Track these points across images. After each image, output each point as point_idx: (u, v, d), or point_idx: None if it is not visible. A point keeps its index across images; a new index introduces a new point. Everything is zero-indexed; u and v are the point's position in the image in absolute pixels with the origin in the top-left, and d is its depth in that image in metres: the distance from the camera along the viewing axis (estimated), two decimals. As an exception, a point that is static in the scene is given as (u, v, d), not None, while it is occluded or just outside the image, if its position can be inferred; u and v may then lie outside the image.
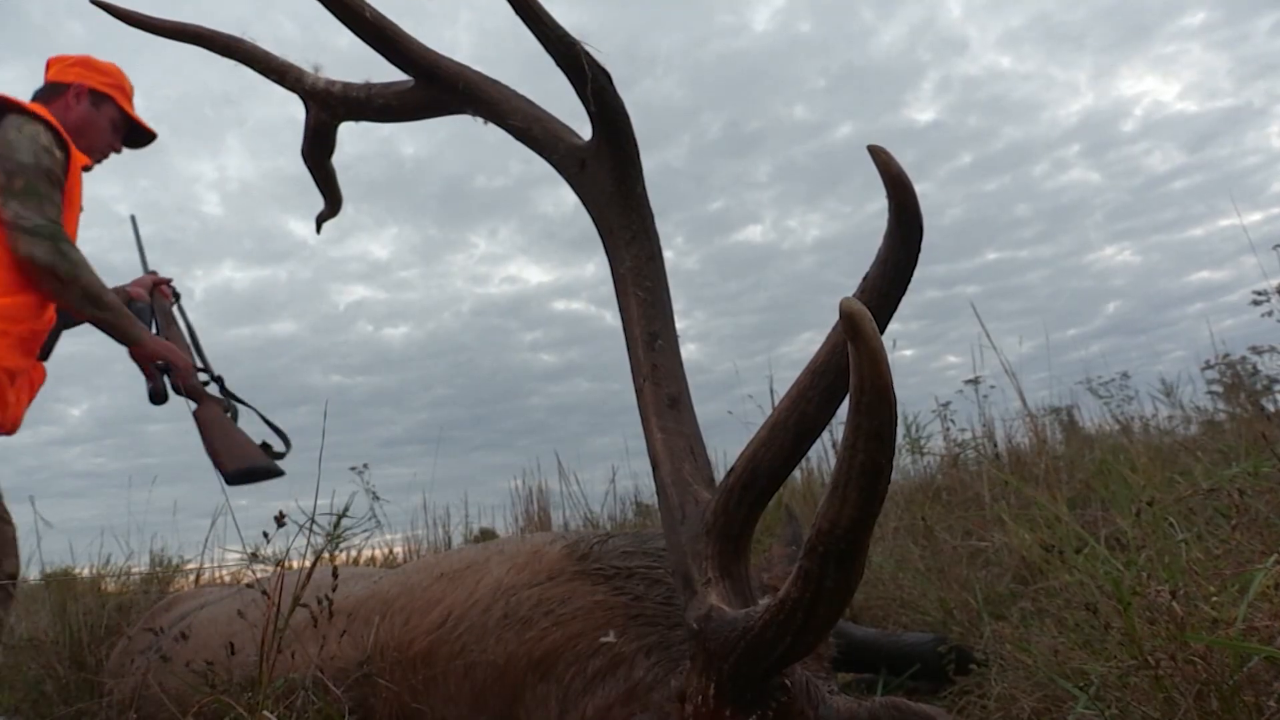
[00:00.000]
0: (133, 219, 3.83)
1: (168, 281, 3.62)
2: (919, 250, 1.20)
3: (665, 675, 1.48)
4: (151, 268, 3.74)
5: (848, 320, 0.87)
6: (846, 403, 1.01)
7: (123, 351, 3.07)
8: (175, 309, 3.58)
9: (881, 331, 0.95)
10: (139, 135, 3.46)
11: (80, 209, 3.13)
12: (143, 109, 3.45)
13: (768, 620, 1.09)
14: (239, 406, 3.32)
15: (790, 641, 1.08)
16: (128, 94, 3.38)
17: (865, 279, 1.23)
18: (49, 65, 3.32)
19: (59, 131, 2.92)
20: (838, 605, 1.04)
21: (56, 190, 2.85)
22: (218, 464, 3.06)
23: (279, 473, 3.18)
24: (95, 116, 3.24)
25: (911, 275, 1.22)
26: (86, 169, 3.15)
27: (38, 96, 3.21)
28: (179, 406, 3.14)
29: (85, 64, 3.29)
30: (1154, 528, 2.35)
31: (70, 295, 2.80)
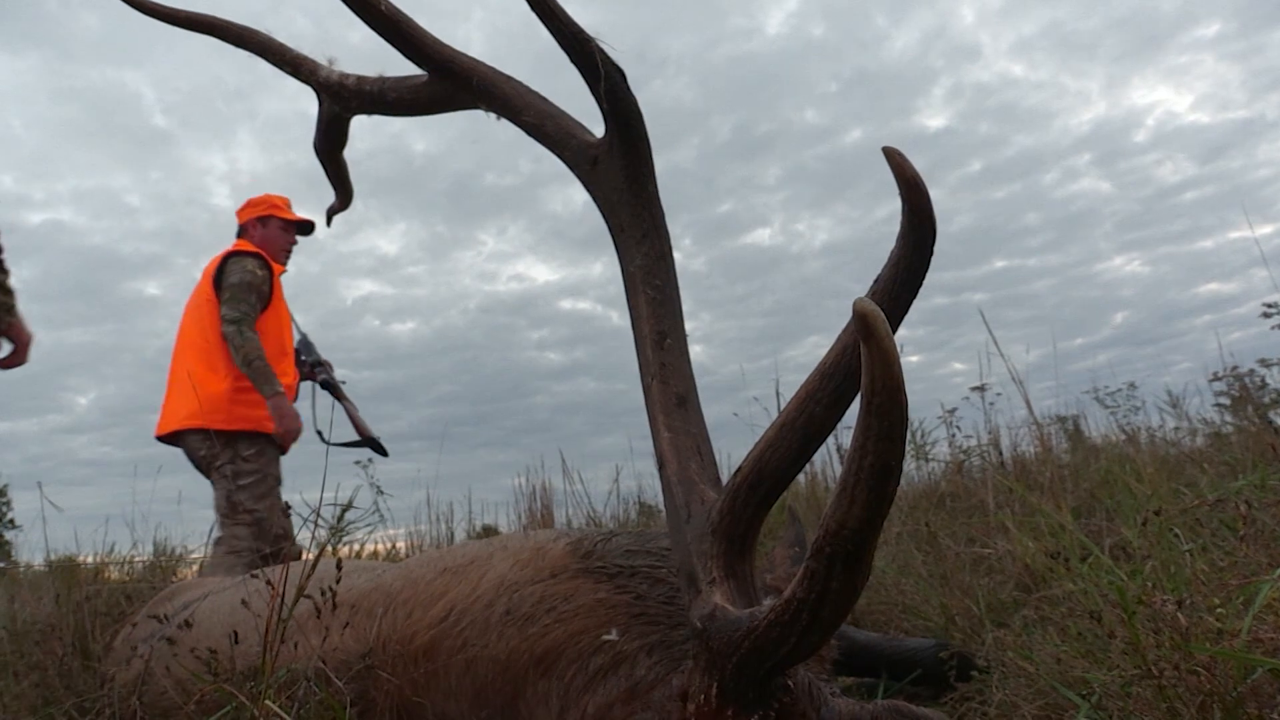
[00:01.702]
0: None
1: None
2: (931, 254, 1.20)
3: (667, 674, 1.48)
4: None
5: (861, 320, 0.87)
6: (855, 405, 1.01)
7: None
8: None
9: (893, 333, 0.95)
10: (305, 227, 5.06)
11: (285, 303, 4.93)
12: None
13: (772, 620, 1.09)
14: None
15: (794, 642, 1.08)
16: (279, 206, 4.96)
17: (877, 281, 1.23)
18: (238, 215, 5.04)
19: (263, 257, 4.72)
20: (843, 607, 1.04)
21: (252, 294, 4.56)
22: (367, 433, 5.08)
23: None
24: (269, 233, 4.90)
25: (923, 279, 1.22)
26: (283, 273, 4.92)
27: (240, 237, 4.97)
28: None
29: (248, 205, 4.99)
30: (1159, 538, 2.35)
31: (237, 358, 4.44)
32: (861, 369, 0.91)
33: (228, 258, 4.63)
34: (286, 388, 4.55)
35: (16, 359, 3.72)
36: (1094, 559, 2.30)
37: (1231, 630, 1.55)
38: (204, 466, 4.54)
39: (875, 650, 2.41)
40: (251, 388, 4.43)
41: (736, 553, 1.28)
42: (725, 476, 1.39)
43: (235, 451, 4.47)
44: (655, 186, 1.63)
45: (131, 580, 4.14)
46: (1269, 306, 4.73)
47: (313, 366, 5.23)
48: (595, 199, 1.67)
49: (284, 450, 4.65)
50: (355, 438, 5.03)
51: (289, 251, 4.95)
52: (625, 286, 1.63)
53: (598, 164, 1.64)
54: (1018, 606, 2.66)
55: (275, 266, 4.79)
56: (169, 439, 4.62)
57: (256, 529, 4.40)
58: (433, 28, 1.80)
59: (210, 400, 4.40)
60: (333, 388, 5.22)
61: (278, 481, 4.61)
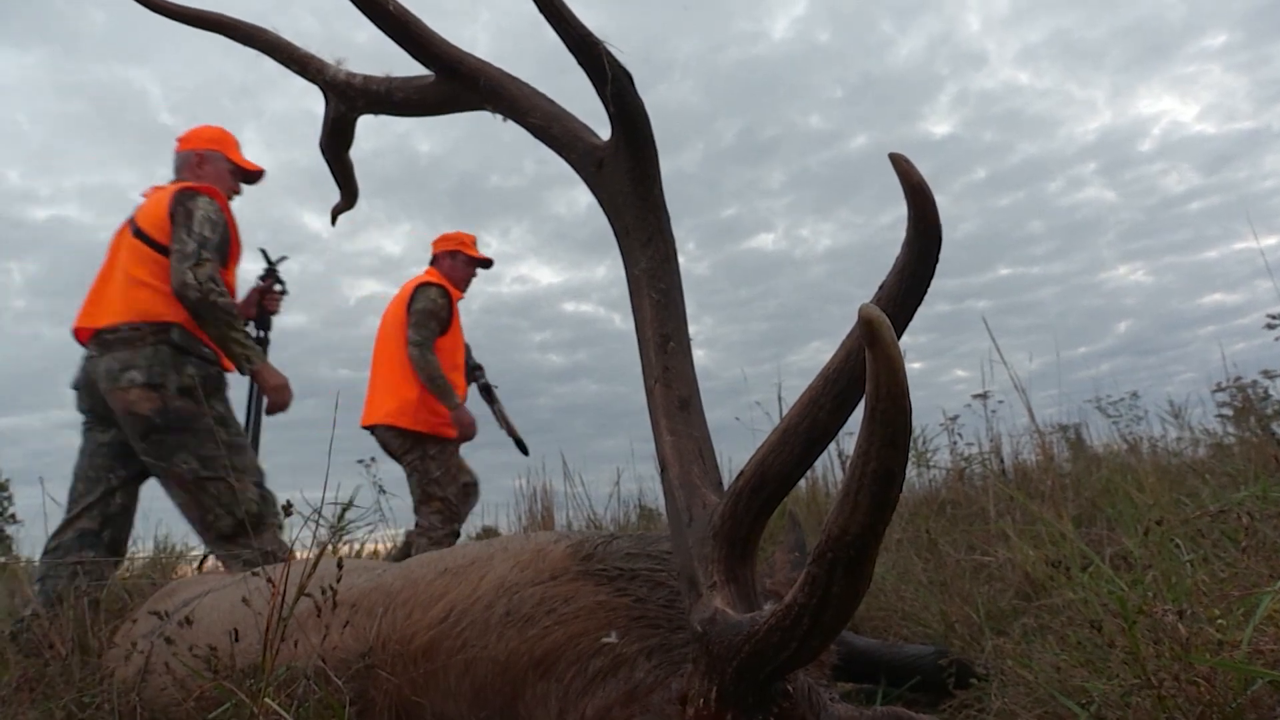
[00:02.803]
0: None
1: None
2: (937, 260, 1.20)
3: (666, 677, 1.48)
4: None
5: (866, 326, 0.87)
6: (858, 411, 1.01)
7: None
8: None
9: (898, 340, 0.95)
10: (486, 263, 6.02)
11: (460, 325, 5.83)
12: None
13: (773, 625, 1.08)
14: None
15: (795, 647, 1.08)
16: (467, 244, 5.92)
17: (882, 287, 1.23)
18: (433, 245, 6.08)
19: (445, 287, 5.64)
20: (844, 612, 1.04)
21: (433, 320, 5.47)
22: (514, 432, 6.22)
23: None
24: (455, 266, 5.89)
25: (929, 285, 1.22)
26: (460, 299, 5.91)
27: (431, 265, 5.97)
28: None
29: (442, 239, 6.01)
30: (1160, 548, 2.34)
31: (421, 376, 5.31)
32: (866, 375, 0.91)
33: (419, 286, 5.53)
34: (461, 392, 5.63)
35: (274, 406, 4.14)
36: (1095, 568, 2.30)
37: (1232, 641, 1.55)
38: (395, 455, 5.50)
39: (874, 656, 2.41)
40: (435, 398, 5.36)
41: (738, 557, 1.28)
42: (727, 480, 1.39)
43: (424, 450, 5.45)
44: (661, 190, 1.63)
45: (131, 577, 4.14)
46: (1273, 318, 4.72)
47: (472, 370, 6.18)
48: (600, 201, 1.67)
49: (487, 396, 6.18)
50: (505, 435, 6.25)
51: (468, 282, 5.88)
52: (629, 289, 1.63)
53: (603, 166, 1.64)
54: (1017, 614, 2.66)
55: (455, 294, 5.70)
56: (370, 429, 5.56)
57: (446, 513, 5.42)
58: (439, 28, 1.80)
59: (404, 404, 5.40)
60: (487, 390, 6.25)
61: (460, 470, 5.59)
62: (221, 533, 3.69)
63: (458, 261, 5.84)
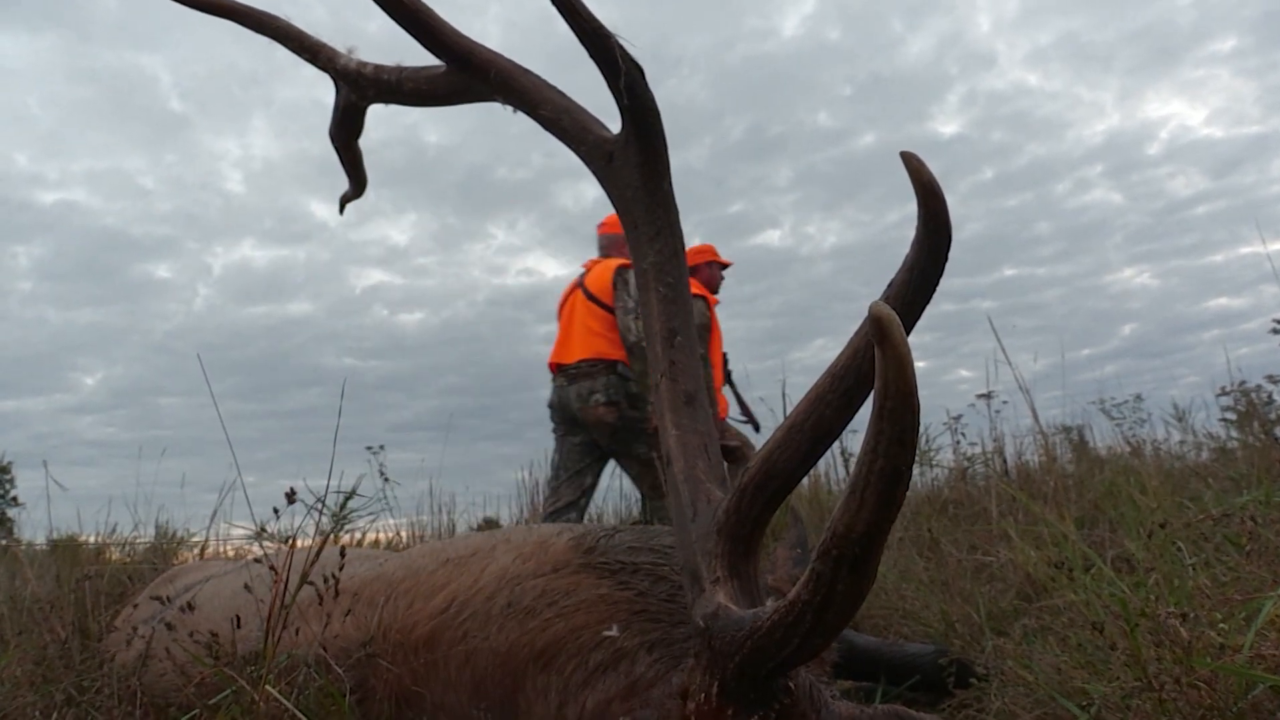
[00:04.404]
0: None
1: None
2: (946, 260, 1.20)
3: (667, 672, 1.48)
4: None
5: (876, 324, 0.86)
6: (866, 407, 1.01)
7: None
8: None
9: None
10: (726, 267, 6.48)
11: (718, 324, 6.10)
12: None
13: (776, 621, 1.09)
14: None
15: (797, 644, 1.08)
16: (713, 252, 6.34)
17: (891, 285, 1.23)
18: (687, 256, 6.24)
19: (705, 297, 5.75)
20: (848, 610, 1.04)
21: (704, 332, 5.71)
22: (750, 412, 6.63)
23: None
24: (712, 274, 6.21)
25: (937, 284, 1.22)
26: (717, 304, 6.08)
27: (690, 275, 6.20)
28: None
29: (694, 251, 6.14)
30: (1163, 551, 2.34)
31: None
32: (873, 373, 0.91)
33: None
34: (719, 388, 6.19)
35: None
36: (1096, 570, 2.30)
37: (1234, 645, 1.55)
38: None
39: (875, 654, 2.41)
40: None
41: (741, 553, 1.28)
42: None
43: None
44: (670, 184, 1.62)
45: (133, 562, 4.15)
46: (1278, 322, 4.71)
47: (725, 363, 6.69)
48: (609, 195, 1.67)
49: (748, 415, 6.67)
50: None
51: (720, 285, 6.46)
52: (636, 283, 1.63)
53: (613, 160, 1.63)
54: (1018, 615, 2.66)
55: (711, 299, 6.15)
56: None
57: None
58: (449, 19, 1.79)
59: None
60: (728, 373, 6.64)
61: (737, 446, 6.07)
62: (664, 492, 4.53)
63: (714, 270, 6.42)
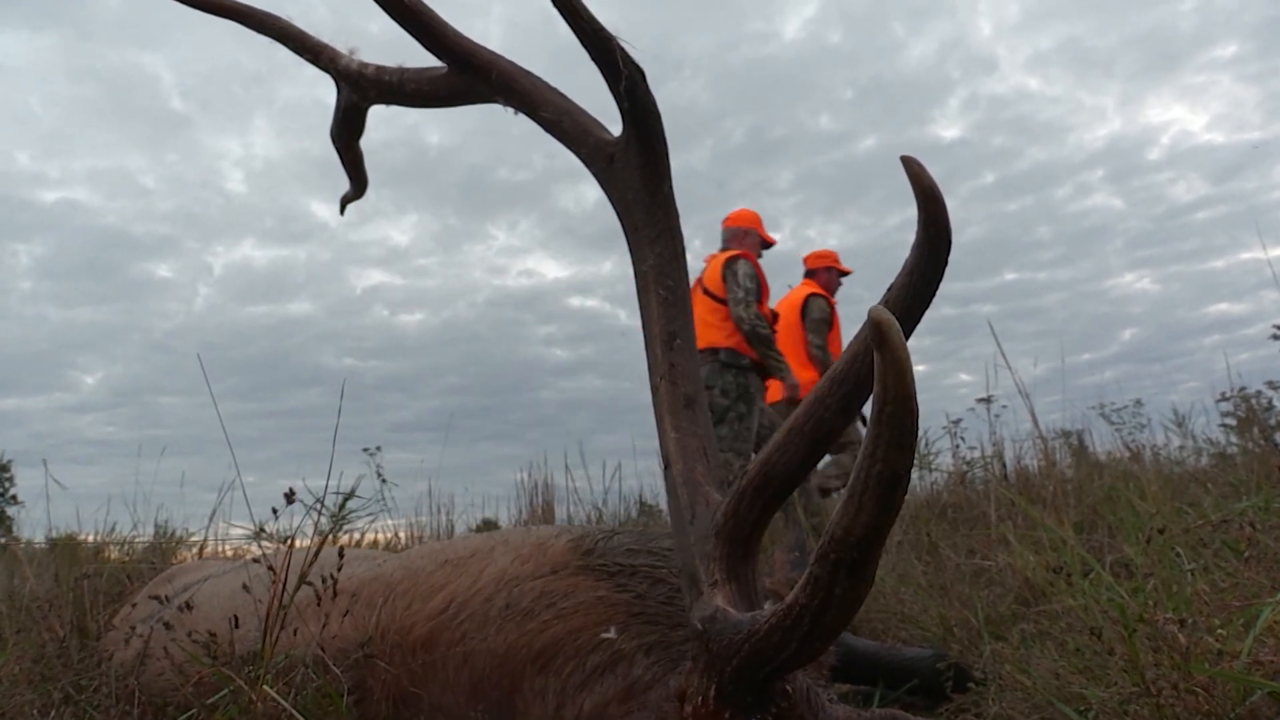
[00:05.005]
0: None
1: None
2: (946, 264, 1.20)
3: (664, 674, 1.48)
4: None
5: (875, 329, 0.87)
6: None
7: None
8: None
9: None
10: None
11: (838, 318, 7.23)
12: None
13: (774, 625, 1.08)
14: None
15: (795, 647, 1.08)
16: (835, 259, 7.42)
17: (890, 289, 1.23)
18: (806, 261, 7.53)
19: (825, 297, 7.14)
20: (846, 613, 1.04)
21: (825, 326, 6.98)
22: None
23: None
24: (830, 277, 7.31)
25: (937, 288, 1.22)
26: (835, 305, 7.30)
27: (808, 278, 7.39)
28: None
29: (814, 256, 7.43)
30: (1161, 556, 2.34)
31: (819, 371, 6.48)
32: (872, 376, 0.91)
33: (809, 296, 7.00)
34: None
35: (792, 401, 6.00)
36: (1095, 575, 2.29)
37: (1232, 651, 1.55)
38: None
39: (872, 658, 2.41)
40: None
41: (739, 556, 1.28)
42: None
43: None
44: (671, 187, 1.62)
45: (131, 561, 4.14)
46: (1279, 328, 4.71)
47: None
48: (610, 197, 1.67)
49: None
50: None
51: (838, 287, 7.30)
52: (637, 285, 1.63)
53: (614, 162, 1.64)
54: (1016, 620, 2.66)
55: (831, 300, 7.11)
56: (773, 405, 6.63)
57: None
58: (451, 19, 1.80)
59: (806, 386, 6.35)
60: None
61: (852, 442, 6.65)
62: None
63: (832, 275, 7.28)
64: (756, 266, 6.29)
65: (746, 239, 6.54)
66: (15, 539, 5.24)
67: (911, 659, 2.37)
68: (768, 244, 6.74)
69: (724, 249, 6.48)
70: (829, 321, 7.03)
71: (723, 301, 6.03)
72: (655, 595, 1.64)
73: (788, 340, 6.76)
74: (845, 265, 7.48)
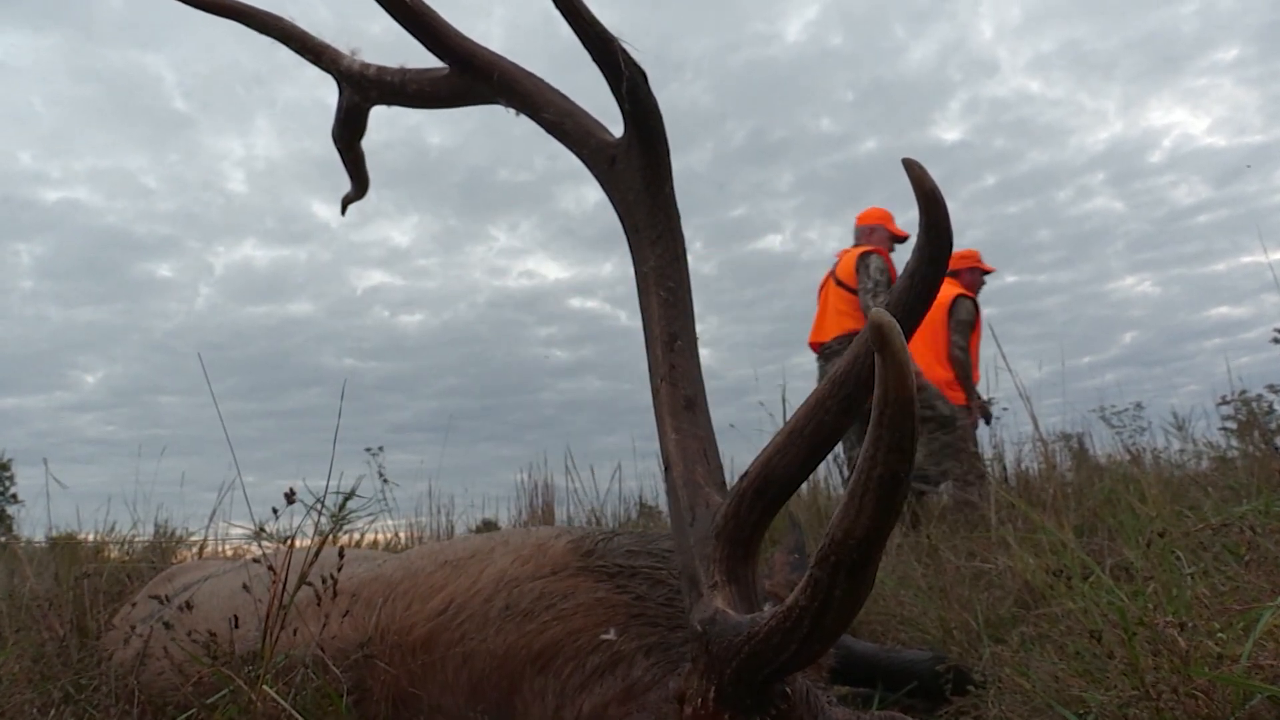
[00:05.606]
0: None
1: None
2: (946, 267, 1.20)
3: (664, 676, 1.48)
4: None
5: (876, 331, 0.87)
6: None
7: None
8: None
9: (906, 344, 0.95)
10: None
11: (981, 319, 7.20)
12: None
13: (774, 627, 1.08)
14: None
15: (795, 649, 1.08)
16: (978, 258, 7.49)
17: (891, 291, 1.23)
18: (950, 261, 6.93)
19: (971, 297, 7.08)
20: (846, 616, 1.04)
21: (967, 329, 6.99)
22: (984, 407, 7.07)
23: None
24: (974, 278, 7.36)
25: (937, 291, 1.22)
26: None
27: (952, 277, 7.12)
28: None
29: (958, 256, 7.23)
30: (1162, 560, 2.34)
31: (959, 373, 6.87)
32: (873, 379, 0.91)
33: (956, 298, 7.02)
34: (976, 379, 7.07)
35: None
36: (1095, 578, 2.29)
37: (1232, 655, 1.55)
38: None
39: (872, 660, 2.41)
40: (957, 382, 6.76)
41: (739, 557, 1.28)
42: (729, 481, 1.39)
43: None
44: (672, 188, 1.63)
45: (131, 560, 4.14)
46: (1280, 332, 4.71)
47: None
48: (611, 198, 1.67)
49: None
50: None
51: (981, 286, 7.41)
52: (637, 287, 1.63)
53: (615, 164, 1.64)
54: (1016, 623, 2.66)
55: (976, 300, 7.18)
56: None
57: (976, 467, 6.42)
58: (452, 21, 1.80)
59: (937, 385, 6.57)
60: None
61: (973, 440, 6.66)
62: None
63: (976, 274, 7.42)
64: (888, 261, 6.75)
65: (874, 235, 6.99)
66: (15, 538, 5.24)
67: (911, 661, 2.36)
68: (899, 238, 7.08)
69: (855, 244, 6.96)
70: (972, 323, 7.16)
71: (854, 292, 6.55)
72: (655, 597, 1.64)
73: (930, 338, 6.97)
74: (987, 264, 7.62)
